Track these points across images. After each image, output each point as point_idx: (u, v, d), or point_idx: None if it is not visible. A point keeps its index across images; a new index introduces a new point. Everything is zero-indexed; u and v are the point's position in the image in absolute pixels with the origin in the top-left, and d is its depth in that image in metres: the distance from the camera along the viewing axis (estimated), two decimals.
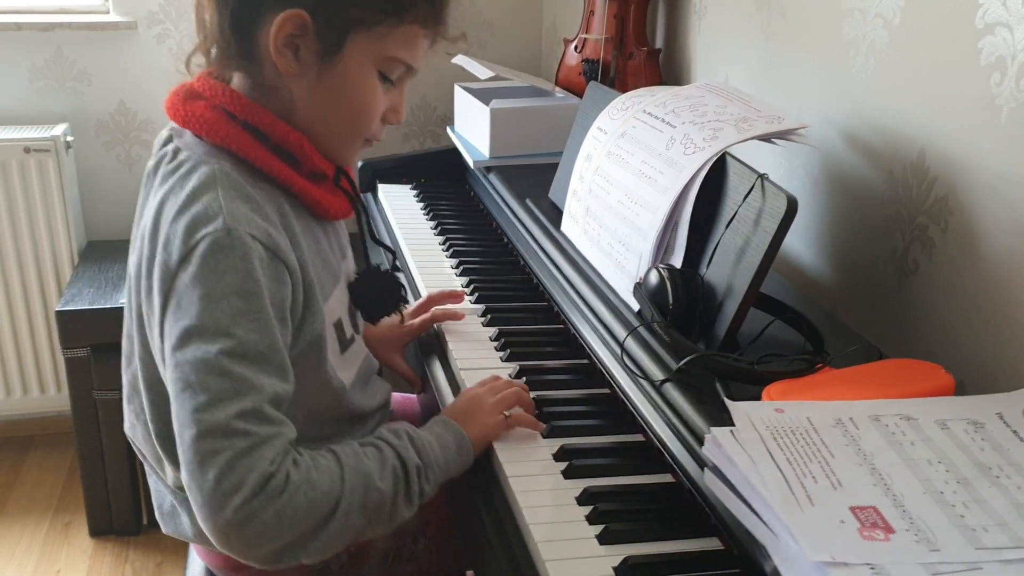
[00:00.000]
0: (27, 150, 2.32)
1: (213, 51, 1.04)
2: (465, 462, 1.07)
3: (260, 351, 0.92)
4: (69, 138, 2.40)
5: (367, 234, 1.22)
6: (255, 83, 1.03)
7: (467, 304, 1.43)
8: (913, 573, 0.71)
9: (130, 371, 1.11)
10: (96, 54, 2.44)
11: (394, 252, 1.26)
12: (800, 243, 1.49)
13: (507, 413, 1.10)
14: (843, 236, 1.41)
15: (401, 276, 1.26)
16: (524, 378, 1.24)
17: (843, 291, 1.40)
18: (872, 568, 0.72)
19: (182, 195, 0.97)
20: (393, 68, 1.04)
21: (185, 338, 0.91)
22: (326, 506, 0.92)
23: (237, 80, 1.05)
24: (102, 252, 2.46)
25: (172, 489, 1.12)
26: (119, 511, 2.30)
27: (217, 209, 0.94)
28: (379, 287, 1.20)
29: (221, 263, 0.92)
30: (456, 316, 1.38)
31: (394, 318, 1.32)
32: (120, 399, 2.18)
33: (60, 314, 2.14)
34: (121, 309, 2.20)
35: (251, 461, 0.88)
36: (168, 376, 0.93)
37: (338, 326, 1.11)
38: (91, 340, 2.15)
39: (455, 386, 1.26)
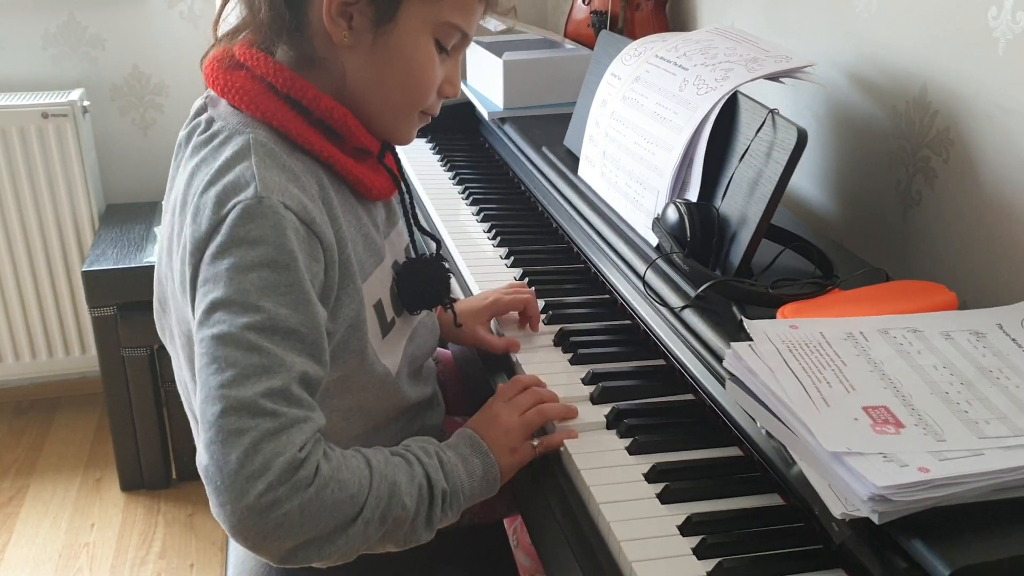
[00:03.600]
0: (45, 115, 2.36)
1: (260, 20, 0.97)
2: (490, 491, 1.02)
3: (291, 327, 0.86)
4: (85, 103, 2.45)
5: (411, 220, 1.16)
6: (302, 56, 0.99)
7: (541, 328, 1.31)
8: (922, 459, 0.78)
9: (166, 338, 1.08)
10: (109, 19, 2.47)
11: (439, 241, 1.20)
12: (808, 182, 1.55)
13: (535, 443, 1.05)
14: (849, 172, 1.47)
15: (447, 265, 1.18)
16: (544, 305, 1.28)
17: (850, 225, 1.47)
18: (884, 456, 0.79)
19: (215, 165, 0.92)
20: (449, 35, 1.00)
21: (211, 311, 0.85)
22: (350, 509, 0.86)
23: (282, 53, 1.00)
24: (122, 215, 2.51)
25: None
26: (149, 465, 2.37)
27: (250, 178, 0.89)
28: (423, 278, 1.13)
29: (252, 232, 0.87)
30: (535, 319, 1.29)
31: (436, 310, 1.23)
32: (146, 356, 2.24)
33: (86, 274, 2.19)
34: (145, 268, 2.25)
35: (278, 444, 0.81)
36: (196, 353, 0.87)
37: (378, 308, 1.05)
38: (117, 299, 2.20)
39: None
